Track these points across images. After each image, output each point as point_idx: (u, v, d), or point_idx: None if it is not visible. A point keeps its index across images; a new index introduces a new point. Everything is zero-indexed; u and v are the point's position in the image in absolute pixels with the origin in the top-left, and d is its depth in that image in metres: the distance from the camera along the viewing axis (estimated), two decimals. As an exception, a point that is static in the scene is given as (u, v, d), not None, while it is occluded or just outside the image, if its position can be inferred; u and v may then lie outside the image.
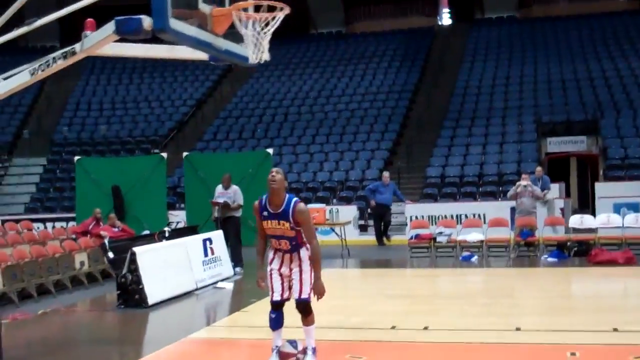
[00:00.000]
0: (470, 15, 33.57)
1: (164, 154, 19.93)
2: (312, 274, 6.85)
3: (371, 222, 19.14)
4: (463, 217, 17.87)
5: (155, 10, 6.03)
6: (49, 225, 19.39)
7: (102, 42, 6.63)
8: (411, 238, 15.96)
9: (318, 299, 6.79)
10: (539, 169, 17.43)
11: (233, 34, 7.07)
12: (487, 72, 27.62)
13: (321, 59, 31.57)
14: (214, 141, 25.55)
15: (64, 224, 19.26)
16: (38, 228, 18.03)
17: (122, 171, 19.61)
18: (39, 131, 26.92)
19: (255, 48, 6.90)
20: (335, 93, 28.08)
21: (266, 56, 7.03)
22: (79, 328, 9.75)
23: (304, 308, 6.90)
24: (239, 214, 14.27)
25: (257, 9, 7.01)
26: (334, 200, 20.78)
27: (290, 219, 6.55)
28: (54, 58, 7.08)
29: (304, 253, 6.81)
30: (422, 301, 10.58)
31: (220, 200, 14.10)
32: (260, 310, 10.60)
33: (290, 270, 6.84)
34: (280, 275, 6.88)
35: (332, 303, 10.67)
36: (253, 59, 6.99)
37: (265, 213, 6.64)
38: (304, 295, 6.81)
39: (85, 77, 31.26)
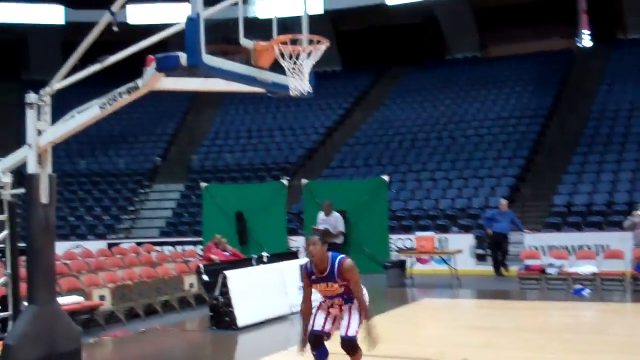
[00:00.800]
0: (611, 36, 32.10)
1: (285, 181, 20.54)
2: (361, 317, 6.79)
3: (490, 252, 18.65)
4: (585, 248, 17.11)
5: (189, 47, 6.42)
6: (180, 248, 20.41)
7: (152, 78, 7.11)
8: (522, 269, 15.50)
9: (373, 347, 6.64)
10: (664, 198, 16.44)
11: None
12: (626, 96, 26.27)
13: (454, 84, 31.26)
14: (340, 168, 25.92)
15: (193, 247, 20.23)
16: (169, 251, 19.14)
17: (246, 197, 20.39)
18: (180, 159, 28.51)
19: (298, 80, 7.09)
20: (466, 119, 27.71)
21: (307, 87, 7.19)
22: (165, 347, 10.29)
23: (352, 347, 6.75)
24: (340, 240, 14.57)
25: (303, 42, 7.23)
26: (454, 229, 20.49)
27: (337, 279, 6.65)
28: (120, 93, 7.64)
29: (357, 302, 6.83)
30: (506, 334, 10.29)
31: (322, 227, 14.39)
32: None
33: (341, 311, 6.87)
34: (328, 312, 6.89)
35: (415, 333, 10.75)
36: (294, 91, 7.19)
37: (313, 277, 6.75)
38: (351, 333, 6.71)
39: (225, 107, 32.71)
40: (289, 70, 7.08)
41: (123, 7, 7.32)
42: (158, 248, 20.04)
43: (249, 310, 11.32)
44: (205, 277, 11.63)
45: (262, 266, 12.68)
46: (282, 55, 7.12)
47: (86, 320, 11.49)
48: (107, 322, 11.81)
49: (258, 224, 20.21)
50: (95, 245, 19.72)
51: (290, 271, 12.76)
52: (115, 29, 7.54)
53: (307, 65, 7.15)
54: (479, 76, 31.39)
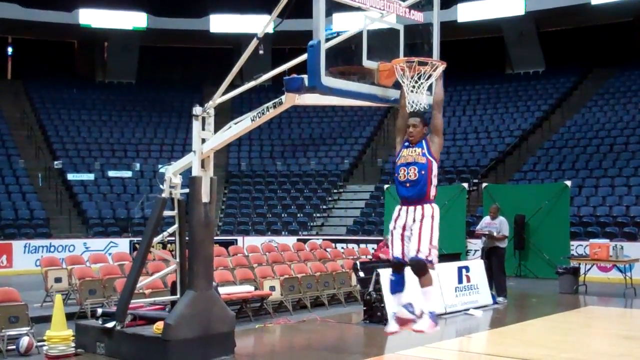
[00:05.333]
0: None
1: (465, 185, 20.92)
2: (433, 234, 6.81)
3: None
4: None
5: (309, 71, 7.22)
6: (363, 246, 21.37)
7: (288, 97, 8.03)
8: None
9: None
10: None
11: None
12: None
13: (663, 85, 29.60)
14: (532, 172, 25.63)
15: (374, 245, 21.14)
16: (352, 248, 20.22)
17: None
18: (373, 161, 29.63)
19: (414, 96, 7.58)
20: (671, 122, 26.25)
21: (424, 103, 7.62)
22: (315, 336, 11.21)
23: (419, 268, 6.76)
24: (504, 244, 14.68)
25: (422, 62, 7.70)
26: (641, 237, 19.78)
27: (423, 145, 7.09)
28: (267, 107, 8.65)
29: (428, 209, 6.91)
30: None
31: (486, 231, 14.64)
32: (485, 338, 11.17)
33: (414, 220, 6.88)
34: (403, 229, 6.92)
35: (560, 338, 10.84)
36: (409, 108, 7.68)
37: (406, 144, 7.23)
38: (421, 255, 6.74)
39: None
40: (407, 88, 7.60)
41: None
42: (343, 245, 21.25)
43: (401, 307, 11.94)
44: (361, 274, 12.46)
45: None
46: (403, 74, 7.64)
47: (256, 307, 12.78)
48: (276, 310, 13.01)
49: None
50: (287, 241, 21.26)
51: (445, 272, 13.23)
52: (261, 52, 8.57)
53: (425, 84, 7.62)
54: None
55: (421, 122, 7.31)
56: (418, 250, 6.77)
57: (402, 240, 6.94)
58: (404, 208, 7.03)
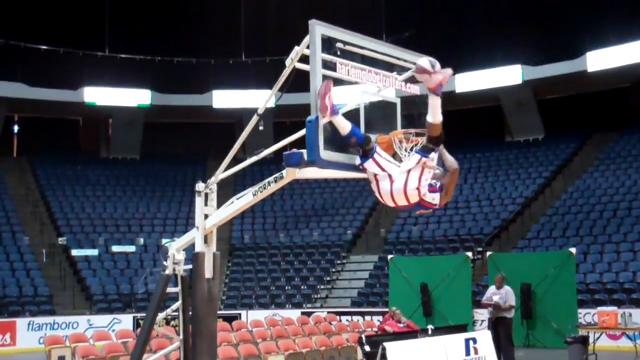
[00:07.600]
0: None
1: (469, 254, 20.82)
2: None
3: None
4: None
5: (308, 146, 7.31)
6: (368, 318, 21.18)
7: (288, 171, 8.10)
8: None
9: None
10: None
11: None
12: None
13: (665, 149, 29.80)
14: (536, 239, 25.54)
15: (379, 317, 20.93)
16: (357, 321, 20.05)
17: (430, 269, 20.91)
18: (376, 231, 29.57)
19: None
20: (673, 186, 26.32)
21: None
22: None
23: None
24: (511, 314, 14.56)
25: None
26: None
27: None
28: (268, 182, 8.70)
29: None
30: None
31: (492, 301, 14.53)
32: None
33: None
34: None
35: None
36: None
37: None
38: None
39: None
40: (405, 159, 7.70)
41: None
42: (348, 317, 21.07)
43: (408, 380, 11.77)
44: (367, 348, 12.29)
45: (424, 338, 13.11)
46: (400, 145, 7.76)
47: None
48: (282, 386, 12.83)
49: (443, 295, 20.60)
50: (291, 314, 21.09)
51: (453, 344, 13.05)
52: (261, 128, 8.68)
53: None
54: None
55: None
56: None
57: None
58: None
